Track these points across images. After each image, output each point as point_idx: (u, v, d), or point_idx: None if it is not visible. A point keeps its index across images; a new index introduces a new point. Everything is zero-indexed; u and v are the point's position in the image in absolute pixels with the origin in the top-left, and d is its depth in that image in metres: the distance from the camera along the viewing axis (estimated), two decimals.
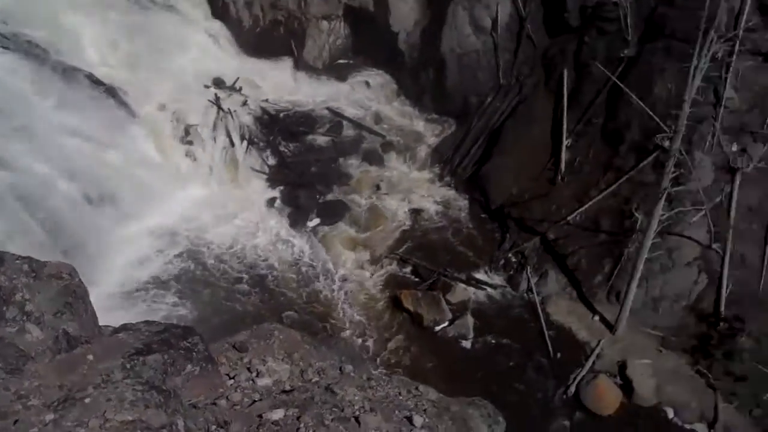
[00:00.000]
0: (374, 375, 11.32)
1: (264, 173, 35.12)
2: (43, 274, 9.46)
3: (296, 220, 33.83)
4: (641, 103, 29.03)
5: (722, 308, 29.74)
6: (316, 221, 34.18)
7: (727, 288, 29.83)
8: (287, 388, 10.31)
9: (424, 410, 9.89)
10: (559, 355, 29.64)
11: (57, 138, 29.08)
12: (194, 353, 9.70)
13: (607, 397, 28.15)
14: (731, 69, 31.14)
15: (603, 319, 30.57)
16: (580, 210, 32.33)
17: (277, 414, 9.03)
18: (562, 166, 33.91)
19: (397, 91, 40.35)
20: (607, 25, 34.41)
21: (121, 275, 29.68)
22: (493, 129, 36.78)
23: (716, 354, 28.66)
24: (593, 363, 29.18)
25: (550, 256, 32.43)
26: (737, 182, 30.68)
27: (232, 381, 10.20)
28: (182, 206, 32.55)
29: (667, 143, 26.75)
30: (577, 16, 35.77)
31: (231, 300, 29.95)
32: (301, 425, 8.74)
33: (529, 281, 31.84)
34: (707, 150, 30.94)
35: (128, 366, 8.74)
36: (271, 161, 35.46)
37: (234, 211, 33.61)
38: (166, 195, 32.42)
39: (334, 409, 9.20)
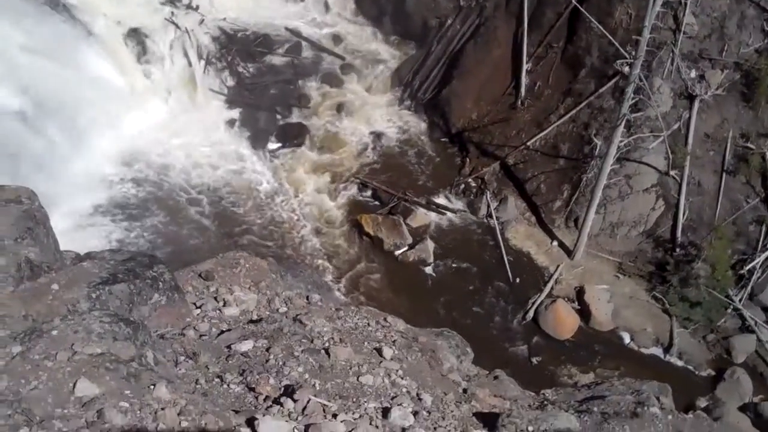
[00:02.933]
0: (342, 305, 11.30)
1: (223, 94, 34.22)
2: (1, 198, 9.18)
3: (256, 143, 33.26)
4: (601, 28, 28.87)
5: (679, 235, 30.12)
6: (275, 144, 33.84)
7: (684, 214, 30.23)
8: (255, 318, 10.29)
9: (393, 342, 9.93)
10: (518, 280, 29.83)
11: (8, 53, 28.19)
12: (160, 283, 9.55)
13: (564, 321, 28.54)
14: None
15: (561, 245, 30.86)
16: (540, 135, 32.13)
17: (246, 345, 9.01)
18: (523, 90, 33.48)
19: (355, 12, 39.60)
20: None
21: (78, 198, 29.01)
22: (453, 52, 36.18)
23: (672, 280, 29.04)
24: (551, 288, 29.48)
25: (510, 182, 32.38)
26: (695, 109, 30.75)
27: (198, 311, 10.16)
28: (140, 128, 31.65)
29: (626, 69, 26.70)
30: None
31: (190, 225, 29.55)
32: (271, 356, 8.71)
33: (488, 206, 31.79)
34: (666, 76, 30.88)
35: (94, 296, 8.55)
36: (230, 82, 34.63)
37: (193, 133, 32.78)
38: (123, 116, 31.48)
39: (303, 340, 9.18)
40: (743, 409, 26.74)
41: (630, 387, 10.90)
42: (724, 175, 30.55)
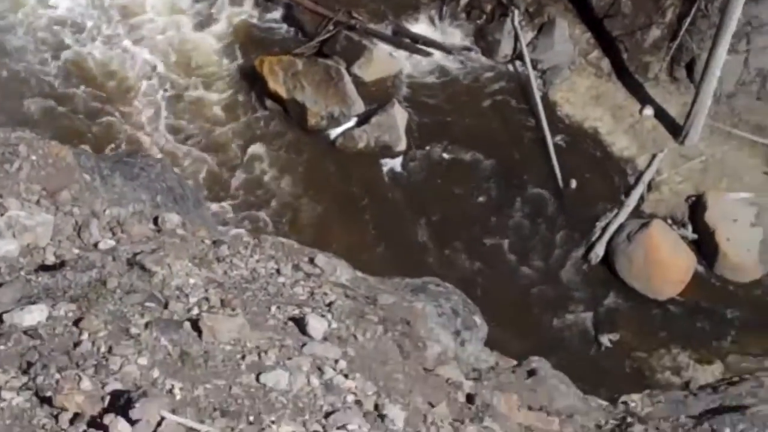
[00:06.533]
0: (227, 234, 11.23)
1: None
2: None
3: None
4: None
5: None
6: None
7: None
8: (51, 260, 10.23)
9: (328, 305, 9.88)
10: (574, 183, 30.00)
11: None
12: None
13: (667, 263, 28.58)
14: None
15: (661, 114, 30.98)
16: None
17: (36, 314, 8.86)
18: None
19: None
20: None
21: None
22: None
23: None
24: (641, 199, 29.82)
25: None
26: None
27: None
28: None
29: None
30: None
31: None
32: (85, 337, 8.55)
33: (517, 39, 31.91)
34: None
35: None
36: None
37: None
38: None
39: (149, 304, 9.10)
40: None
41: None
42: None
